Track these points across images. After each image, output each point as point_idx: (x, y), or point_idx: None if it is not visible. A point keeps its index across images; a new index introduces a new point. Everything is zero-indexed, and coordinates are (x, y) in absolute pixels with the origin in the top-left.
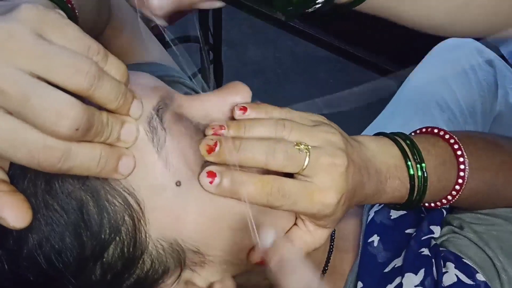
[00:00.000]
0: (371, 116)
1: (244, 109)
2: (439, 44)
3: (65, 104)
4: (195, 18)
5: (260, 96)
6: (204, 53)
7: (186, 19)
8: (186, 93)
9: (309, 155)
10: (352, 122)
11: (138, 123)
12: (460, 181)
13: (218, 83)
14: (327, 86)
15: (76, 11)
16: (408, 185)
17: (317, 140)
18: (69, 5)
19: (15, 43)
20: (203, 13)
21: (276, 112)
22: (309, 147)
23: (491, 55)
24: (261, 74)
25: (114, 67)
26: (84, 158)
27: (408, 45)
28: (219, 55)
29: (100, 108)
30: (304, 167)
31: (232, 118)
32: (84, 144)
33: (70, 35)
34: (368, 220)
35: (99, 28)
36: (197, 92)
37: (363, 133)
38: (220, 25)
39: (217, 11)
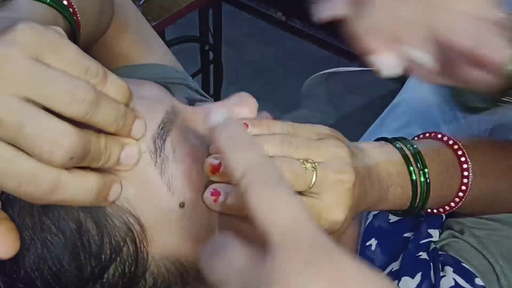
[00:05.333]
0: (371, 117)
1: (245, 126)
2: None
3: (59, 133)
4: (195, 18)
5: (261, 96)
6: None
7: (186, 19)
8: (189, 99)
9: (316, 173)
10: (352, 122)
11: (142, 142)
12: (463, 188)
13: (218, 83)
14: None
15: (78, 15)
16: (410, 192)
17: (323, 155)
18: (70, 9)
19: (10, 69)
20: (203, 13)
21: (279, 127)
22: (316, 164)
23: None
24: (261, 74)
25: (115, 87)
26: (75, 191)
27: None
28: (219, 55)
29: (100, 130)
30: (311, 185)
31: None
32: (76, 177)
33: (68, 57)
34: (367, 224)
35: (101, 29)
36: (201, 95)
37: (367, 132)
38: (220, 25)
39: (217, 11)
